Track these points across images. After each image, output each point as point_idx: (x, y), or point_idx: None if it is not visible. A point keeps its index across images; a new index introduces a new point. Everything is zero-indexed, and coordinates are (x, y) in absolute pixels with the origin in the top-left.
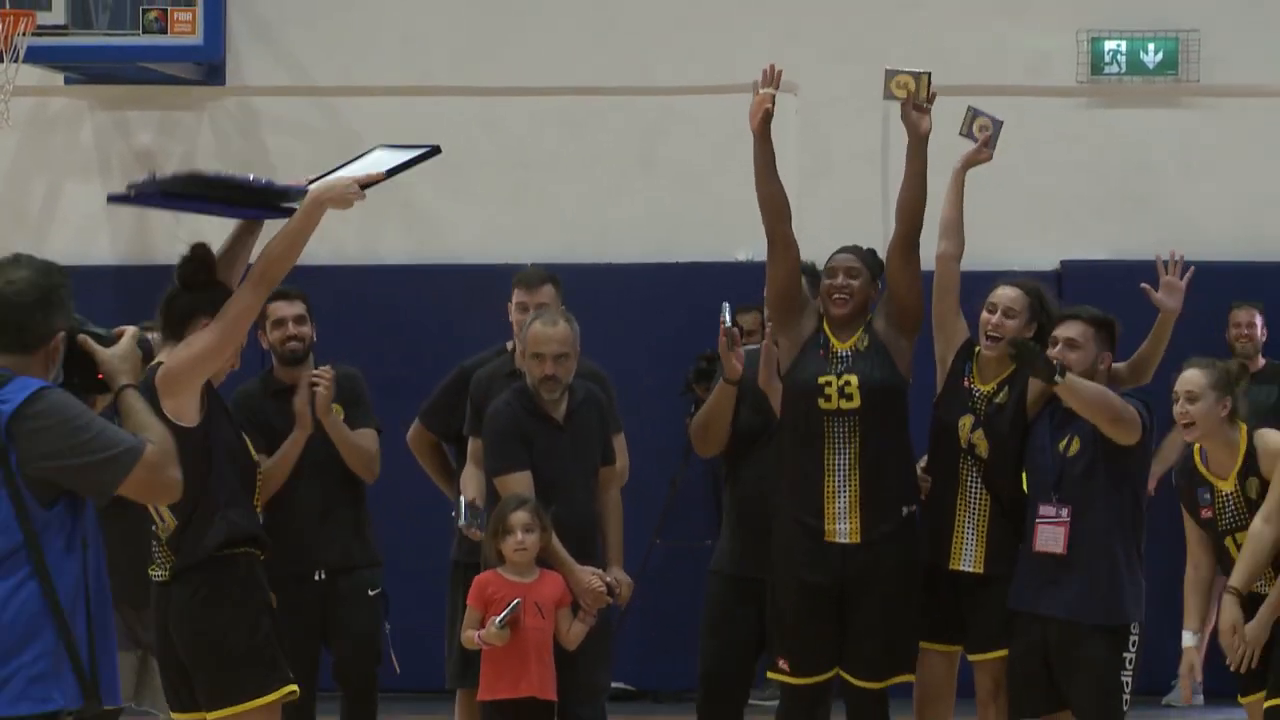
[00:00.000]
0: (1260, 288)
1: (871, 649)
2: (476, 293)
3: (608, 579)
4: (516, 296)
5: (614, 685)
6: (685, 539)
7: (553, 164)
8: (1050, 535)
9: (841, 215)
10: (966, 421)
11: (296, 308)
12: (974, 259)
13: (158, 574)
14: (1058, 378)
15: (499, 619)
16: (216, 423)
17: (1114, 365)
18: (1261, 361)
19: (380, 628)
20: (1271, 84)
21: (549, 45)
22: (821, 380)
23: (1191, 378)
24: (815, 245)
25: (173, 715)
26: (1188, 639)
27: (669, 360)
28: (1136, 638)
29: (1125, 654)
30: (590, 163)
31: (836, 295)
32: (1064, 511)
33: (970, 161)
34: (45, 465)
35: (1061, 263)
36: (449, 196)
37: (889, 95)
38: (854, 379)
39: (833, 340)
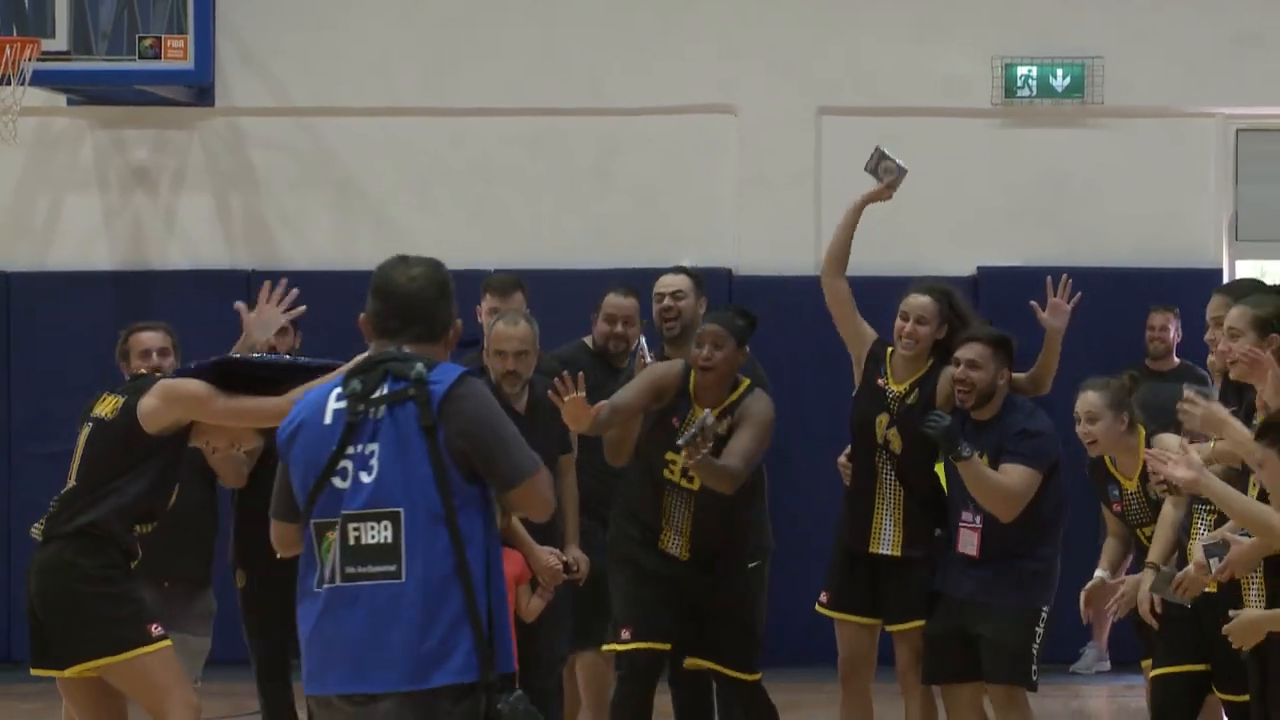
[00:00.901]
0: (1154, 293)
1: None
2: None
3: (565, 558)
4: (488, 302)
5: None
6: None
7: (513, 179)
8: (966, 539)
9: (776, 227)
10: (882, 419)
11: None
12: (896, 266)
13: None
14: (963, 452)
15: None
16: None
17: (1015, 375)
18: (1175, 361)
19: None
20: (1169, 106)
21: (511, 69)
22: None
23: (1089, 400)
24: (752, 254)
25: None
26: (1097, 575)
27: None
28: (1046, 618)
29: (1036, 628)
30: (548, 177)
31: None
32: (977, 519)
33: (871, 199)
34: (462, 443)
35: (978, 269)
36: (418, 208)
37: (873, 170)
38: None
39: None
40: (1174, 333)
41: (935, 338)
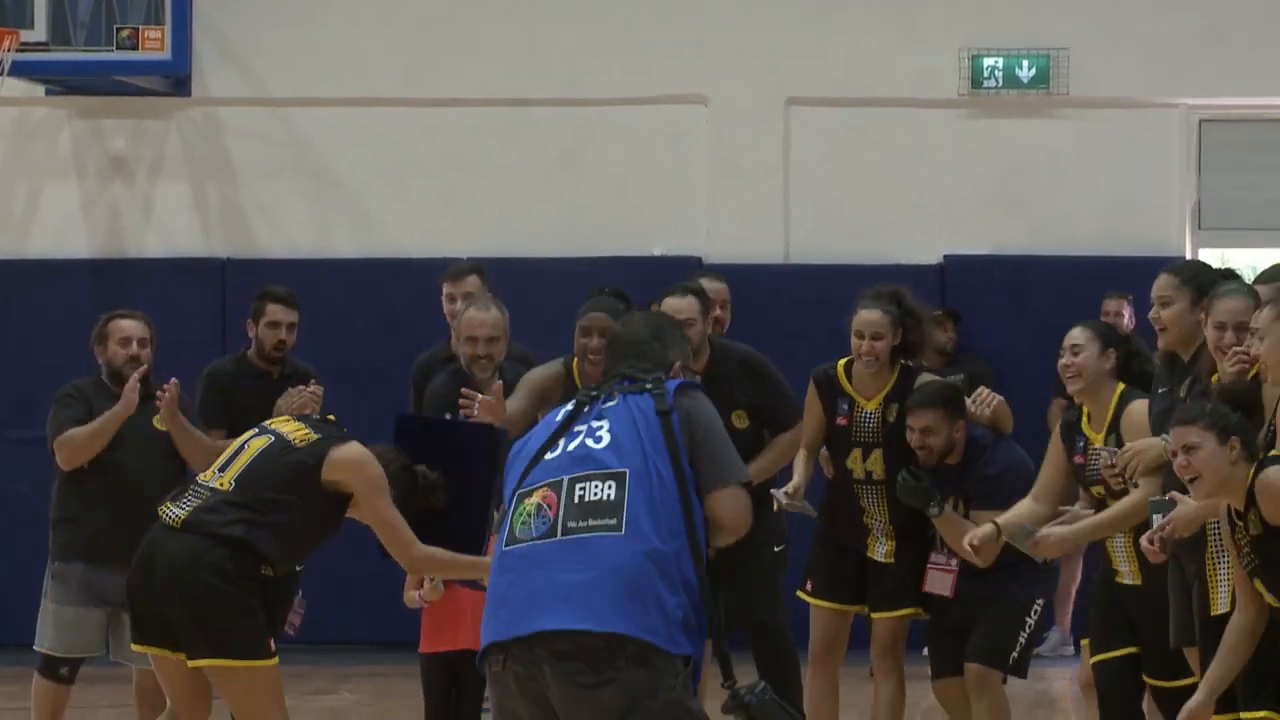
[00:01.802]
0: (1119, 280)
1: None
2: (417, 285)
3: None
4: (445, 289)
5: None
6: None
7: (486, 168)
8: (939, 580)
9: (746, 217)
10: (855, 455)
11: (291, 315)
12: (865, 255)
13: None
14: (934, 510)
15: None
16: None
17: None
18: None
19: None
20: (1133, 96)
21: (485, 60)
22: None
23: (1075, 334)
24: (725, 244)
25: None
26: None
27: None
28: (1039, 609)
29: (1026, 618)
30: (521, 167)
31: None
32: (952, 561)
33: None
34: (691, 432)
35: (944, 257)
36: (393, 198)
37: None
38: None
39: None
40: (1128, 319)
41: (893, 345)
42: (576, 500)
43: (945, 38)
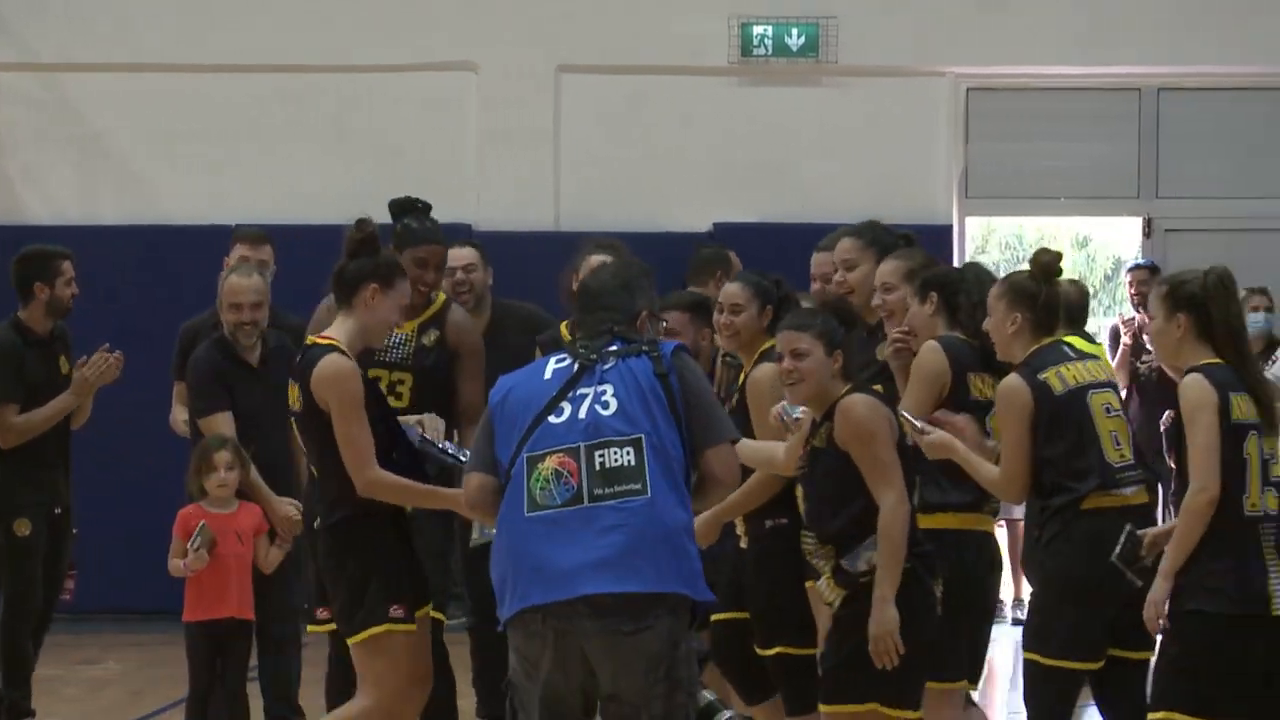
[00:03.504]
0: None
1: None
2: (188, 252)
3: (301, 508)
4: (238, 251)
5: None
6: None
7: (257, 135)
8: None
9: (517, 184)
10: None
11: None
12: (636, 222)
13: None
14: None
15: (191, 543)
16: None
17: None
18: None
19: None
20: (901, 65)
21: (255, 26)
22: None
23: (734, 291)
24: (496, 211)
25: None
26: None
27: None
28: None
29: None
30: (291, 134)
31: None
32: None
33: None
34: (687, 393)
35: (714, 225)
36: (163, 163)
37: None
38: None
39: None
40: None
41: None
42: (599, 467)
43: (715, 5)
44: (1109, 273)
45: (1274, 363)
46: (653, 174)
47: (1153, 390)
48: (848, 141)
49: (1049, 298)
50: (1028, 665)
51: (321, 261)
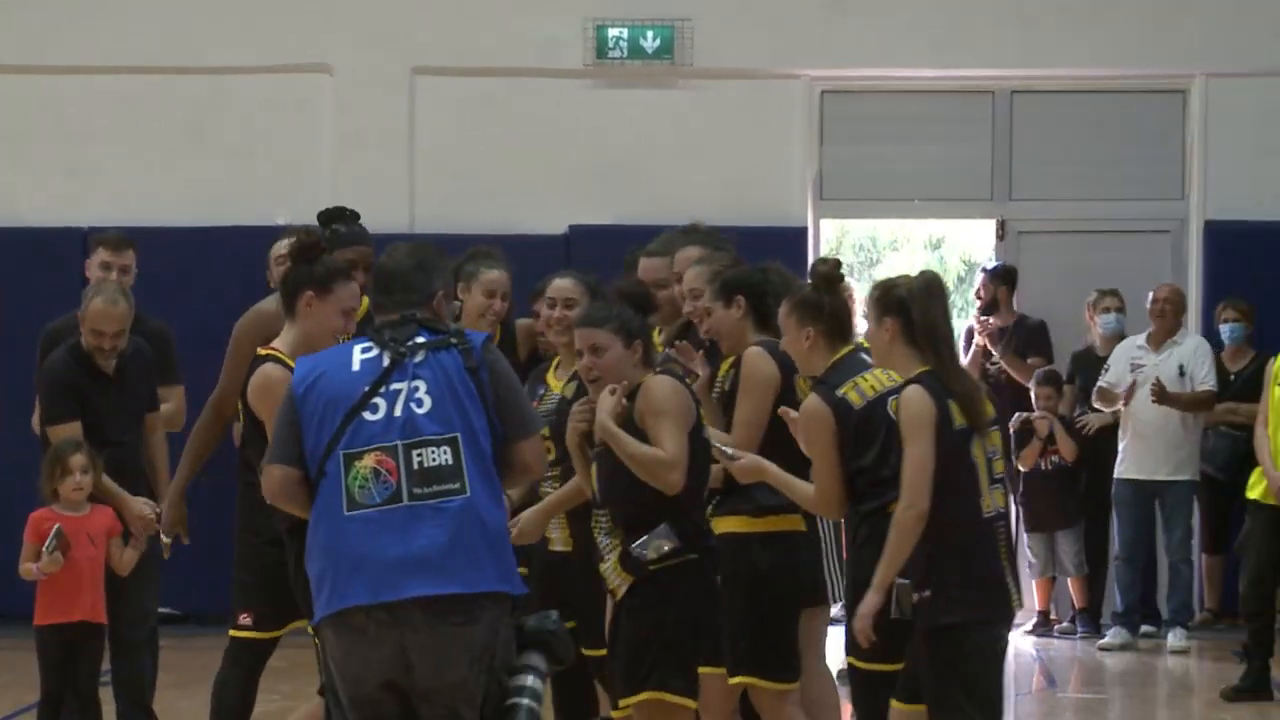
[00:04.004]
0: (741, 251)
1: None
2: (38, 254)
3: (158, 509)
4: (100, 256)
5: (161, 610)
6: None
7: (110, 137)
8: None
9: (372, 187)
10: None
11: None
12: (491, 224)
13: None
14: None
15: (46, 546)
16: None
17: None
18: None
19: None
20: (756, 68)
21: (108, 28)
22: None
23: (566, 286)
24: None
25: None
26: None
27: (218, 314)
28: None
29: None
30: (145, 136)
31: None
32: None
33: None
34: (496, 388)
35: (569, 227)
36: (14, 165)
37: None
38: None
39: None
40: None
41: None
42: (417, 467)
43: (570, 7)
44: (962, 275)
45: (1107, 370)
46: (508, 176)
47: (1002, 392)
48: (703, 144)
49: (835, 307)
50: (849, 670)
51: (177, 264)
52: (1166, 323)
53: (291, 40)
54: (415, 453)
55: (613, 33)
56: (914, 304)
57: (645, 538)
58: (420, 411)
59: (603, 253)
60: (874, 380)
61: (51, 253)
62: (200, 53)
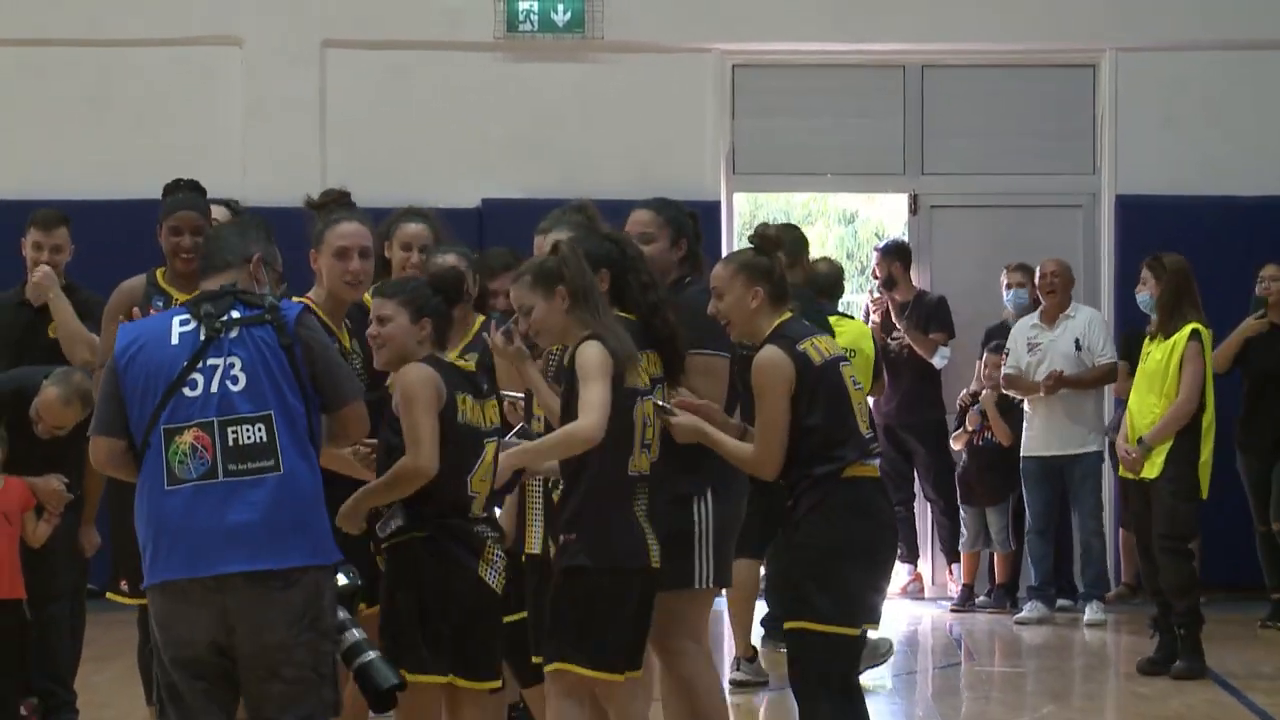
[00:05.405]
0: None
1: None
2: None
3: (66, 481)
4: (31, 236)
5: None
6: None
7: (12, 110)
8: None
9: (281, 159)
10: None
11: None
12: (403, 197)
13: None
14: None
15: None
16: None
17: None
18: None
19: None
20: (667, 41)
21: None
22: None
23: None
24: (258, 187)
25: None
26: None
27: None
28: None
29: None
30: (48, 109)
31: None
32: None
33: None
34: (310, 362)
35: (482, 200)
36: None
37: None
38: None
39: None
40: None
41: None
42: (231, 444)
43: None
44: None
45: (1008, 353)
46: (420, 149)
47: (902, 366)
48: (615, 117)
49: (780, 270)
50: (800, 635)
51: (85, 237)
52: (1057, 298)
53: (200, 12)
54: (230, 430)
55: (523, 5)
56: (566, 268)
57: (386, 517)
58: (235, 389)
59: (514, 226)
60: (826, 344)
61: None
62: (107, 24)
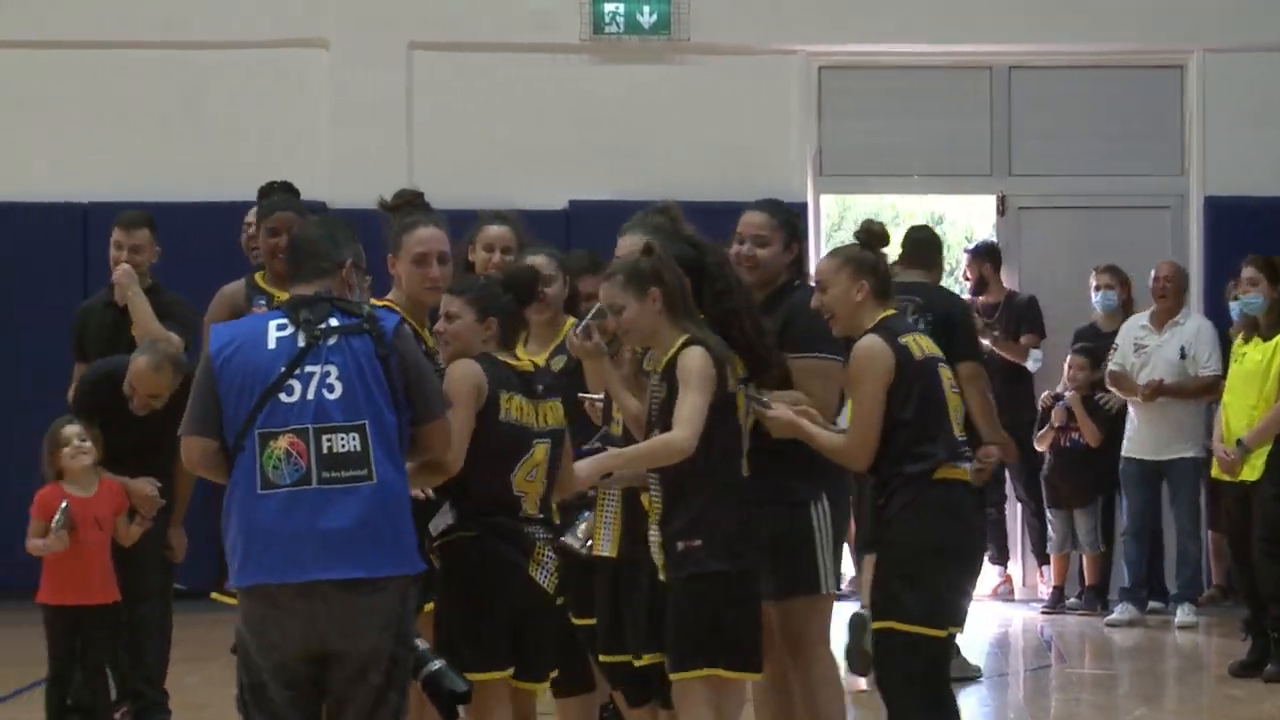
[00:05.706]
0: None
1: None
2: (38, 228)
3: (159, 484)
4: (115, 236)
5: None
6: None
7: (108, 112)
8: None
9: (369, 163)
10: None
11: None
12: (490, 199)
13: None
14: None
15: (54, 523)
16: None
17: None
18: None
19: None
20: (753, 43)
21: (101, 3)
22: None
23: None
24: (347, 189)
25: None
26: None
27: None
28: None
29: None
30: (141, 112)
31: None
32: None
33: None
34: (405, 373)
35: (569, 202)
36: (6, 139)
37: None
38: None
39: None
40: None
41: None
42: (326, 452)
43: None
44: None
45: (1115, 350)
46: (506, 152)
47: (992, 367)
48: (701, 119)
49: (885, 266)
50: (888, 635)
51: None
52: (1168, 302)
53: (288, 15)
54: (325, 438)
55: (609, 7)
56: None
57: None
58: (331, 397)
59: (603, 227)
60: (926, 342)
61: (49, 226)
62: (197, 27)
